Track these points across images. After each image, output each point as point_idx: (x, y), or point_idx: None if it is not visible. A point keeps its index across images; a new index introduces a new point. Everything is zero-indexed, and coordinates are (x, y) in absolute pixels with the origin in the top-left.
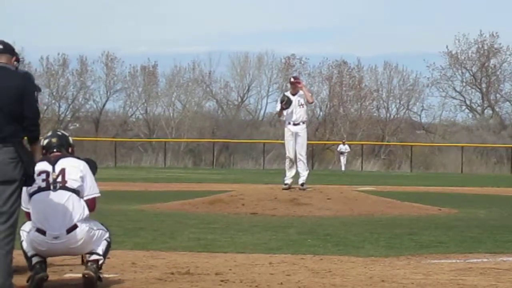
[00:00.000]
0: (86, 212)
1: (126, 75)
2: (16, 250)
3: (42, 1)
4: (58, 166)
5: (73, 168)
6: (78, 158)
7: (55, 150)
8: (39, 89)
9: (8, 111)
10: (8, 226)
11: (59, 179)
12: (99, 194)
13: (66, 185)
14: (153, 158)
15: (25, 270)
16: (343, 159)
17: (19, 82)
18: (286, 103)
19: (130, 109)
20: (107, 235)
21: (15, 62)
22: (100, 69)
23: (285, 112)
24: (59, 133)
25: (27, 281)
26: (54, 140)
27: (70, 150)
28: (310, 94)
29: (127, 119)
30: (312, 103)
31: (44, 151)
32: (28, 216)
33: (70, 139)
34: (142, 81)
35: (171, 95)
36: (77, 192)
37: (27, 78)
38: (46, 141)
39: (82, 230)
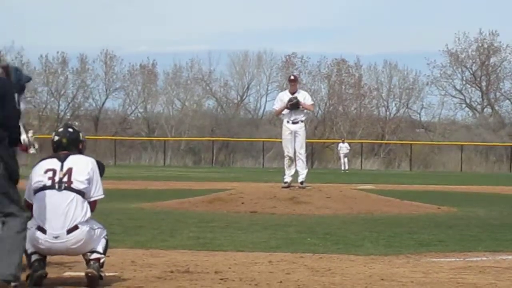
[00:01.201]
0: (89, 214)
1: (126, 73)
2: None
3: (41, 0)
4: (66, 165)
5: (81, 169)
6: (88, 156)
7: (64, 149)
8: (27, 79)
9: None
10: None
11: (65, 178)
12: (103, 196)
13: (72, 186)
14: (152, 156)
15: (23, 268)
16: (343, 158)
17: (3, 85)
18: (293, 105)
19: (130, 108)
20: (105, 232)
21: None
22: (100, 67)
23: (284, 111)
24: (70, 130)
25: (26, 279)
26: (64, 140)
27: (80, 146)
28: (308, 105)
29: (126, 117)
30: (311, 110)
31: (54, 146)
32: (29, 207)
33: (81, 135)
34: (141, 80)
35: (171, 93)
36: (82, 193)
37: (5, 82)
38: (56, 138)
39: (83, 231)
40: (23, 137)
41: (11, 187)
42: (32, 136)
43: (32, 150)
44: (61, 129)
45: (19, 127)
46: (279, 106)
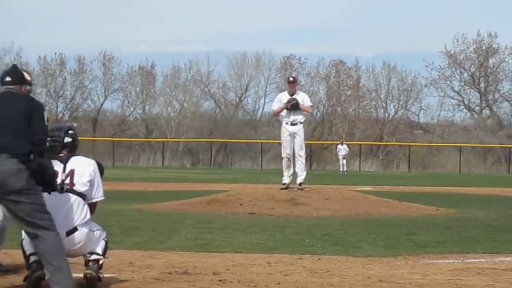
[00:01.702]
0: (88, 216)
1: (124, 74)
2: (14, 250)
3: (41, 1)
4: (68, 167)
5: (83, 171)
6: (89, 157)
7: (71, 150)
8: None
9: (14, 126)
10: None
11: (67, 180)
12: (103, 198)
13: (74, 188)
14: (151, 157)
15: (21, 269)
16: (342, 160)
17: (26, 104)
18: (293, 105)
19: (128, 109)
20: (104, 234)
21: (28, 87)
22: (98, 68)
23: (282, 112)
24: (72, 131)
25: (24, 280)
26: (77, 143)
27: (77, 146)
28: (307, 106)
29: (125, 118)
30: (310, 112)
31: (60, 147)
32: None
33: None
34: (140, 81)
35: (169, 95)
36: (83, 195)
37: (36, 101)
38: (68, 140)
39: (82, 233)
40: None
41: (41, 202)
42: None
43: None
44: (71, 132)
45: (44, 142)
46: (277, 107)
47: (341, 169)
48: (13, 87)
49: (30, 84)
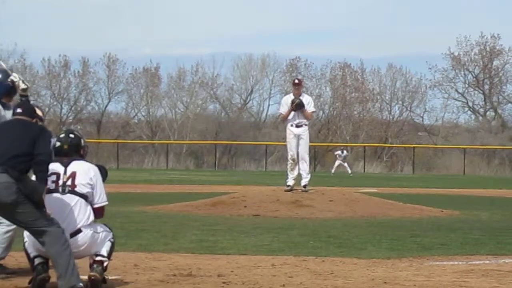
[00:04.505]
0: (92, 217)
1: (128, 76)
2: (19, 252)
3: (44, 2)
4: (70, 169)
5: (84, 173)
6: (90, 162)
7: (65, 155)
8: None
9: (15, 148)
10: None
11: (69, 182)
12: (107, 202)
13: (76, 189)
14: (155, 160)
15: (25, 272)
16: (343, 163)
17: (33, 129)
18: (297, 105)
19: (132, 111)
20: (110, 235)
21: (40, 122)
22: (102, 70)
23: (289, 115)
24: (72, 135)
25: (29, 283)
26: (65, 146)
27: (82, 151)
28: (308, 112)
29: (129, 120)
30: (310, 119)
31: (55, 151)
32: None
33: (83, 141)
34: (144, 83)
35: (174, 97)
36: (85, 197)
37: (44, 127)
38: (57, 144)
39: (86, 234)
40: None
41: (38, 209)
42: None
43: (22, 85)
44: (62, 135)
45: (46, 163)
46: (285, 110)
47: (333, 171)
48: (23, 118)
49: (41, 119)
